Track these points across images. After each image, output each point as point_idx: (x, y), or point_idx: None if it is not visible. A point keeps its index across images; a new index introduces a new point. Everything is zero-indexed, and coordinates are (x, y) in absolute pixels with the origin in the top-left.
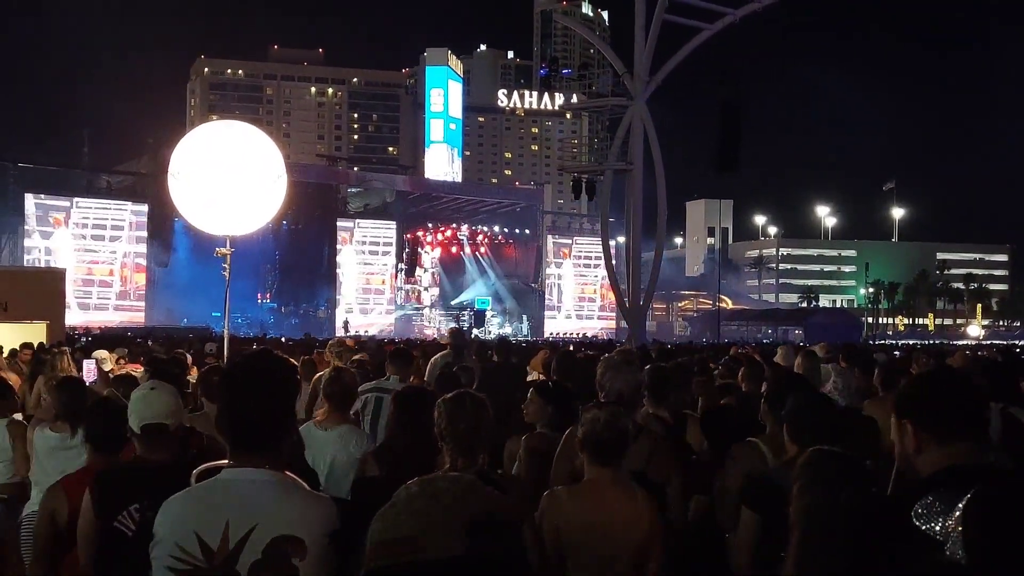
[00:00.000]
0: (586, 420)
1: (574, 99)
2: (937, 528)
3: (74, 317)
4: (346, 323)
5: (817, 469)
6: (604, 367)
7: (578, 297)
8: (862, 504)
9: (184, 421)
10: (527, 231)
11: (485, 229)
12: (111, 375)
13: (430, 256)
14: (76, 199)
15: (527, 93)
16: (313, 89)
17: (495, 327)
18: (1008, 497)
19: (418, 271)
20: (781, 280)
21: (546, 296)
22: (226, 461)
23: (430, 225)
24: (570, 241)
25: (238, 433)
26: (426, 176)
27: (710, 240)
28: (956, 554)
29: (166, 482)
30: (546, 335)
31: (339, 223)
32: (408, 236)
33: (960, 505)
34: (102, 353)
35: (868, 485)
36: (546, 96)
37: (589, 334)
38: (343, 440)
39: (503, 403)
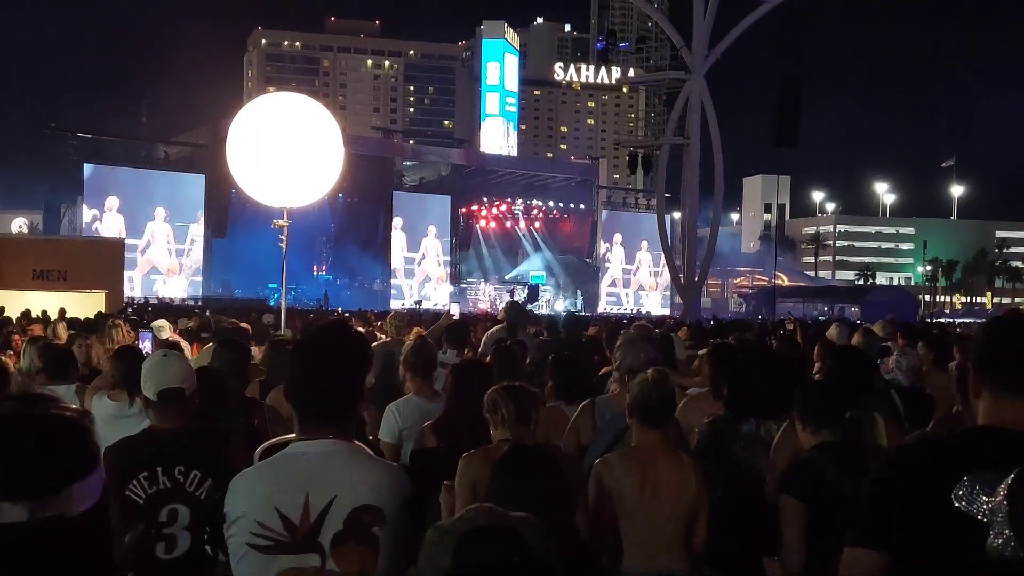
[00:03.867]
0: (634, 385)
1: (631, 73)
2: (983, 508)
3: (133, 287)
4: (419, 301)
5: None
6: (621, 342)
7: (633, 273)
8: None
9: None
10: (582, 206)
11: (540, 203)
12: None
13: (484, 230)
14: (134, 169)
15: (584, 67)
16: (369, 61)
17: (549, 302)
18: None
19: (473, 245)
20: (838, 257)
21: (600, 271)
22: (291, 436)
23: (485, 199)
24: (625, 216)
25: (311, 404)
26: (481, 150)
27: (767, 216)
28: (1003, 534)
29: (177, 449)
30: (599, 310)
31: (394, 195)
32: (462, 210)
33: (1007, 481)
34: (161, 322)
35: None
36: (603, 70)
37: (643, 310)
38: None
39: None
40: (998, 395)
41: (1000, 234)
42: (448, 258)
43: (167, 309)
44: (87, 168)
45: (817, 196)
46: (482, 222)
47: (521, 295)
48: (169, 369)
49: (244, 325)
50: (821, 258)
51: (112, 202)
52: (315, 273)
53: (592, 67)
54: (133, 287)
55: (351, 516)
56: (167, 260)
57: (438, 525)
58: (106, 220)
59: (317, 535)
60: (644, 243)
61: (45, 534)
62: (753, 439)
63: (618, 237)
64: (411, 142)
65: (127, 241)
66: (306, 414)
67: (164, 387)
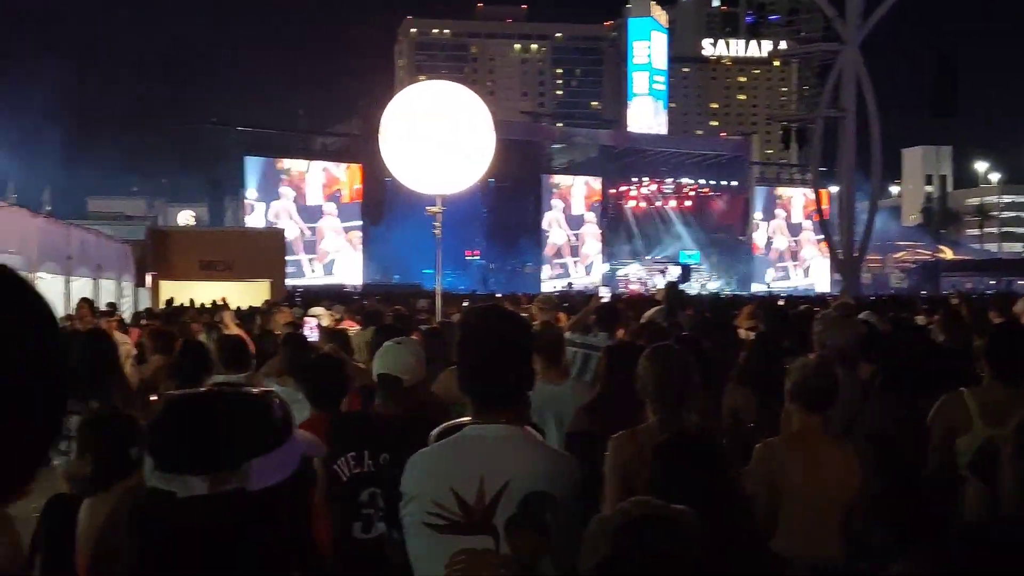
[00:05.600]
0: (794, 369)
1: (782, 46)
2: None
3: (293, 276)
4: (570, 283)
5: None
6: (822, 323)
7: (788, 250)
8: None
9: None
10: (734, 183)
11: (690, 182)
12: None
13: (635, 210)
14: (292, 160)
15: (733, 41)
16: (517, 46)
17: (701, 282)
18: None
19: (623, 225)
20: (1004, 229)
21: (754, 249)
22: (465, 419)
23: (634, 179)
24: (779, 192)
25: (481, 388)
26: (630, 130)
27: (928, 188)
28: None
29: (388, 434)
30: (754, 289)
31: (543, 179)
32: (612, 191)
33: None
34: (319, 310)
35: None
36: (753, 44)
37: (799, 287)
38: (575, 395)
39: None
40: None
41: None
42: (598, 239)
43: (327, 296)
44: (248, 161)
45: (981, 166)
46: (632, 202)
47: (672, 276)
48: (392, 358)
49: (395, 309)
50: (986, 230)
51: (272, 193)
52: (469, 258)
53: (742, 41)
54: (313, 272)
55: (524, 501)
56: (335, 245)
57: (598, 516)
58: (267, 211)
59: (491, 517)
60: (799, 219)
61: (226, 507)
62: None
63: (773, 213)
64: (559, 125)
65: (292, 230)
66: (479, 398)
67: (383, 371)
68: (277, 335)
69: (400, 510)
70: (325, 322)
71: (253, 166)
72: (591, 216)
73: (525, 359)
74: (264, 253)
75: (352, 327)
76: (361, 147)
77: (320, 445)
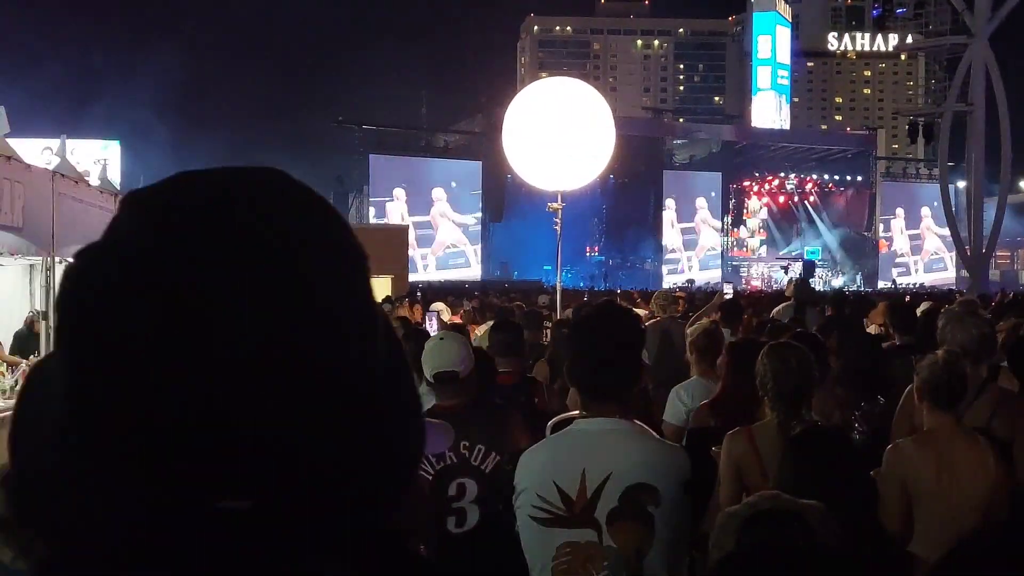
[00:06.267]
0: (923, 366)
1: (909, 39)
2: None
3: (416, 271)
4: (691, 280)
5: None
6: (945, 319)
7: (917, 247)
8: None
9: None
10: (859, 178)
11: (815, 177)
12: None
13: (758, 206)
14: (416, 158)
15: (859, 35)
16: (639, 42)
17: (826, 278)
18: None
19: (746, 221)
20: None
21: (880, 246)
22: (578, 412)
23: (757, 175)
24: (907, 187)
25: (590, 381)
26: (753, 125)
27: None
28: None
29: (460, 424)
30: (880, 285)
31: (664, 174)
32: (734, 186)
33: None
34: (439, 305)
35: None
36: (879, 37)
37: (927, 284)
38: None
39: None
40: None
41: None
42: (721, 235)
43: (448, 292)
44: (372, 159)
45: None
46: (754, 198)
47: (795, 272)
48: (444, 352)
49: (516, 305)
50: None
51: (397, 191)
52: (588, 254)
53: (867, 35)
54: (427, 267)
55: (626, 493)
56: (454, 240)
57: (727, 509)
58: (391, 208)
59: (593, 511)
60: (927, 215)
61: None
62: None
63: (899, 211)
64: (681, 120)
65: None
66: (587, 391)
67: (438, 370)
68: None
69: (513, 503)
70: (445, 317)
71: (377, 163)
72: (713, 212)
73: (634, 354)
74: (388, 249)
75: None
76: (483, 144)
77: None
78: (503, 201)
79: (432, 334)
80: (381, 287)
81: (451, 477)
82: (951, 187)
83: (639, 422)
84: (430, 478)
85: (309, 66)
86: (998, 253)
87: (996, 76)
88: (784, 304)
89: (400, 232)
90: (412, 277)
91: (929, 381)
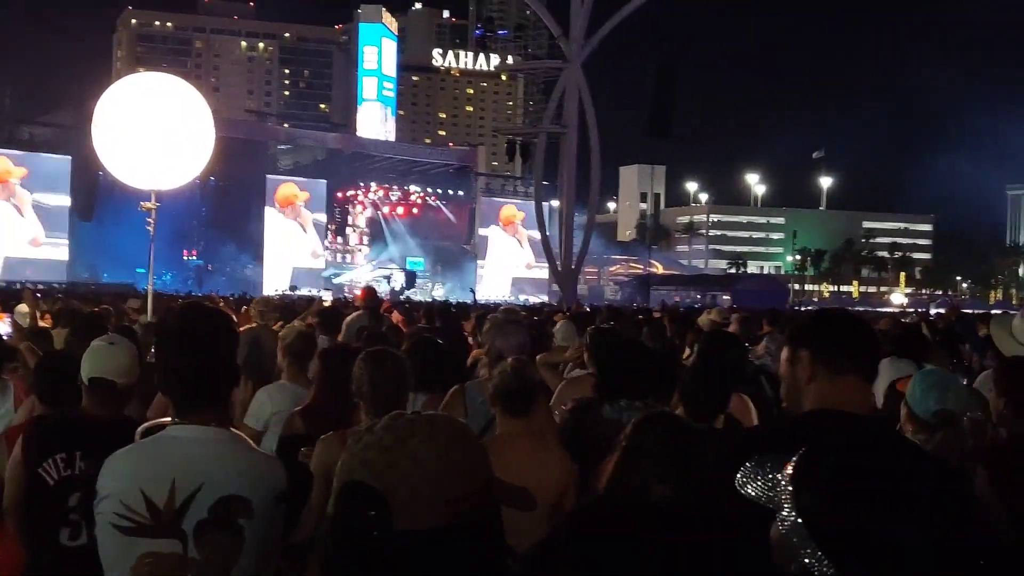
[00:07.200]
0: (495, 373)
1: (509, 60)
2: (763, 490)
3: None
4: (294, 287)
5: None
6: (489, 326)
7: (510, 260)
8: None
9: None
10: (460, 192)
11: (418, 189)
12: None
13: (361, 215)
14: None
15: (462, 53)
16: (244, 43)
17: (426, 289)
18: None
19: (348, 230)
20: (711, 246)
21: (477, 259)
22: (167, 419)
23: (362, 184)
24: (503, 204)
25: (180, 389)
26: (359, 135)
27: (643, 205)
28: (788, 519)
29: (100, 436)
30: (478, 298)
31: (268, 180)
32: (339, 195)
33: (792, 462)
34: (22, 307)
35: None
36: (481, 57)
37: (521, 298)
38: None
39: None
40: (836, 374)
41: (867, 224)
42: (324, 244)
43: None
44: None
45: (691, 186)
46: (359, 207)
47: (398, 282)
48: (105, 359)
49: (101, 309)
50: (694, 247)
51: (5, 176)
52: (186, 257)
53: (471, 54)
54: None
55: (217, 505)
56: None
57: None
58: None
59: (180, 521)
60: (522, 231)
61: None
62: (615, 424)
63: (495, 225)
64: (286, 125)
65: None
66: (180, 398)
67: (93, 375)
68: None
69: (94, 509)
70: (26, 323)
71: None
72: (317, 220)
73: (229, 358)
74: None
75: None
76: (73, 138)
77: None
78: (94, 199)
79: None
80: None
81: (74, 489)
82: (545, 205)
83: (235, 430)
84: (51, 484)
85: None
86: (586, 269)
87: (588, 101)
88: (356, 313)
89: None
90: None
91: (499, 389)
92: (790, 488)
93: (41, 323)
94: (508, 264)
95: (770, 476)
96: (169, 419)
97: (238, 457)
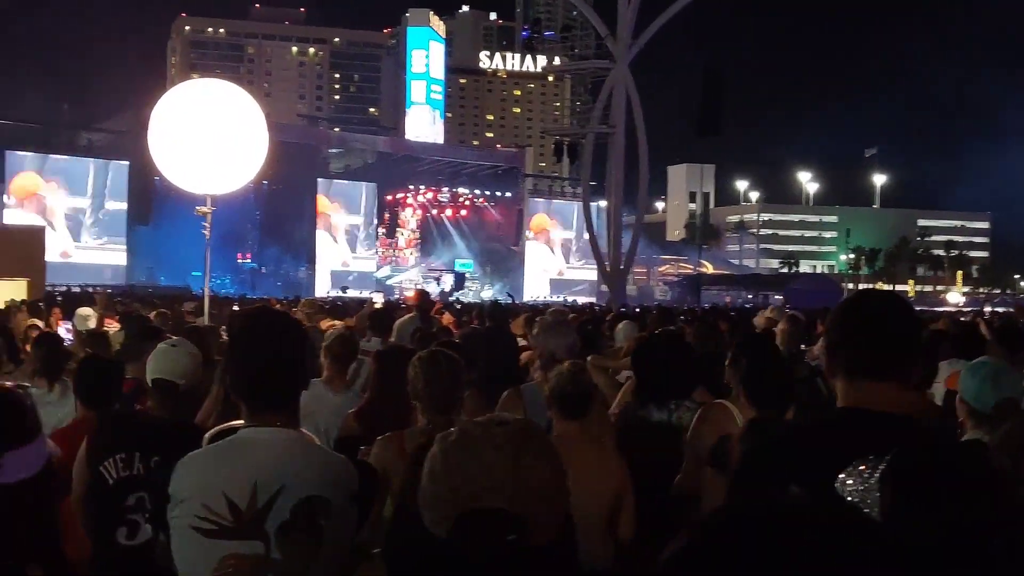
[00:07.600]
0: (551, 376)
1: (556, 62)
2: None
3: (57, 274)
4: (344, 288)
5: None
6: (539, 328)
7: (540, 266)
8: None
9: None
10: (508, 194)
11: (466, 191)
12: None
13: (411, 218)
14: (54, 156)
15: (509, 55)
16: (295, 49)
17: (475, 290)
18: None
19: (398, 233)
20: (762, 245)
21: (526, 259)
22: (240, 421)
23: (411, 187)
24: (552, 204)
25: (253, 391)
26: (407, 138)
27: (692, 205)
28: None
29: (158, 438)
30: (526, 298)
31: (319, 183)
32: (388, 198)
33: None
34: (86, 311)
35: None
36: (528, 58)
37: (569, 299)
38: (351, 405)
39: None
40: (853, 377)
41: (922, 222)
42: (375, 246)
43: (87, 297)
44: (8, 155)
45: (741, 185)
46: (408, 210)
47: (447, 283)
48: (167, 361)
49: (158, 312)
50: (746, 246)
51: (34, 189)
52: (240, 260)
53: (518, 56)
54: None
55: (298, 506)
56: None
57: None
58: (26, 207)
59: (263, 523)
60: (553, 237)
61: None
62: (665, 427)
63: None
64: (336, 129)
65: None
66: (252, 401)
67: (156, 376)
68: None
69: (167, 513)
70: (91, 324)
71: (13, 160)
72: (368, 222)
73: (297, 360)
74: (22, 250)
75: (112, 325)
76: (130, 144)
77: (55, 447)
78: (150, 204)
79: (68, 341)
80: (16, 290)
81: (133, 489)
82: (593, 205)
83: (307, 432)
84: (110, 483)
85: None
86: (636, 269)
87: (636, 100)
88: (409, 315)
89: (35, 233)
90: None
91: (555, 392)
92: (877, 491)
93: (109, 324)
94: (541, 269)
95: (867, 476)
96: (240, 422)
97: (314, 458)
